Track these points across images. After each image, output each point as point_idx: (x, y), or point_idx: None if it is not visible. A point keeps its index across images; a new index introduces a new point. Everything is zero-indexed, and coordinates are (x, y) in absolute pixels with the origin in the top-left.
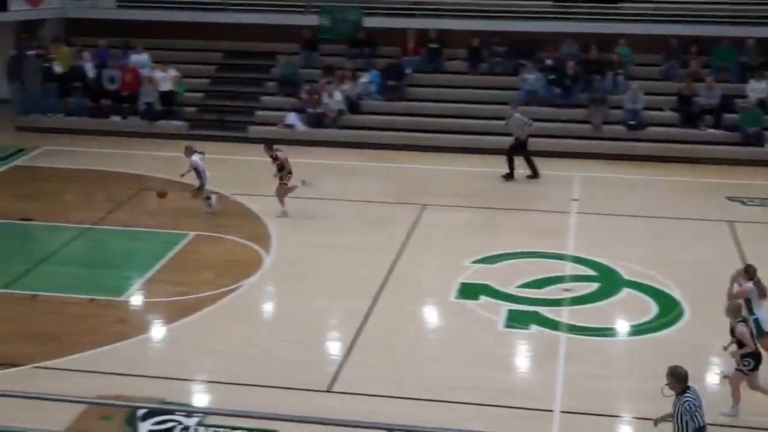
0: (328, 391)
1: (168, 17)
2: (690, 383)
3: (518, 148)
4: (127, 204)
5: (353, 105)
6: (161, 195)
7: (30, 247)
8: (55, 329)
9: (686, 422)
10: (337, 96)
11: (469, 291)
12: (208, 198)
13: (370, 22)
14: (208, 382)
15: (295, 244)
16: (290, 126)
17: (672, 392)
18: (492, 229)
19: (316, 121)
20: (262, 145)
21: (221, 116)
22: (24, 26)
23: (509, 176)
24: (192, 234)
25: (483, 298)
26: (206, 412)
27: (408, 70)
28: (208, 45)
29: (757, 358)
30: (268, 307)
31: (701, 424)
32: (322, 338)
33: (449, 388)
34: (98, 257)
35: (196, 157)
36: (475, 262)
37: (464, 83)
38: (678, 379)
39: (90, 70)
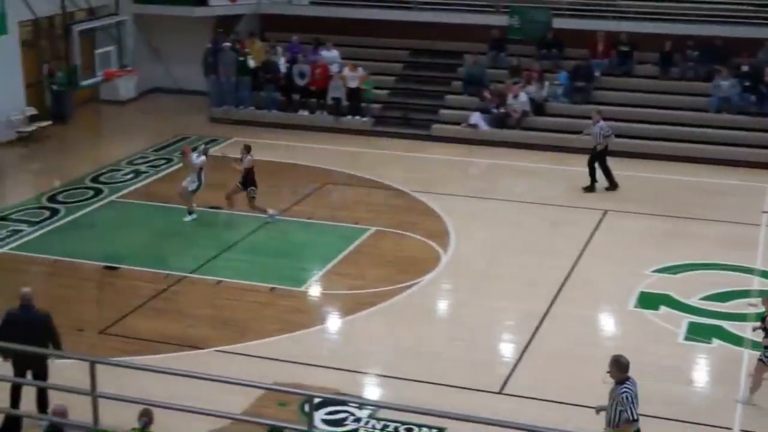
0: (500, 393)
1: (357, 15)
2: (630, 374)
3: (595, 157)
4: (311, 197)
5: (538, 106)
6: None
7: (216, 234)
8: (237, 315)
9: (620, 412)
10: (523, 97)
11: (649, 300)
12: (191, 212)
13: (558, 23)
14: (380, 376)
15: (473, 244)
16: (473, 125)
17: (612, 380)
18: (676, 238)
19: (500, 121)
20: (242, 145)
21: (406, 114)
22: (221, 21)
23: (613, 185)
24: (372, 229)
25: (663, 309)
26: (379, 406)
27: (596, 73)
28: (395, 43)
29: None
30: (443, 305)
31: (634, 417)
32: (496, 339)
33: None
34: (280, 248)
35: (199, 159)
36: (656, 271)
37: (654, 88)
38: (619, 369)
39: (282, 65)
